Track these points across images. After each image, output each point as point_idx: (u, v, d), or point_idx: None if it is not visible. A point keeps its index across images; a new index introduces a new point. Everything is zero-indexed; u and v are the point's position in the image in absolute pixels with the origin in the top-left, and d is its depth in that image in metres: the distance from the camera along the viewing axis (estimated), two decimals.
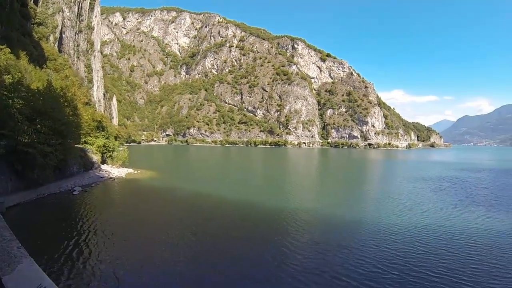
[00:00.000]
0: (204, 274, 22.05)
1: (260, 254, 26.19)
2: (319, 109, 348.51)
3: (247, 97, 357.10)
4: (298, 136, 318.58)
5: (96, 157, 68.82)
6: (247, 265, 24.34)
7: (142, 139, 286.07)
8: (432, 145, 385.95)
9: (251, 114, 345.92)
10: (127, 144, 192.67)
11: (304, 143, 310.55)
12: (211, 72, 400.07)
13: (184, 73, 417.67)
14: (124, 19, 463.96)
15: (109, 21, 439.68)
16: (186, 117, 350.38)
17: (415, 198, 54.66)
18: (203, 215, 37.77)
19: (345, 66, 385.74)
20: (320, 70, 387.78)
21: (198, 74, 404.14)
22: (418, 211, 44.63)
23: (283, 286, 20.79)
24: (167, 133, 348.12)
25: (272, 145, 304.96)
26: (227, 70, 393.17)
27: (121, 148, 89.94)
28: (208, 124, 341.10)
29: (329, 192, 60.94)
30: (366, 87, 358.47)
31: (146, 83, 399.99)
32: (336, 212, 42.61)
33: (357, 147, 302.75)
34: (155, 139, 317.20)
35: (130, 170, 71.35)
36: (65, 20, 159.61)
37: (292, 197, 52.37)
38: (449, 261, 25.99)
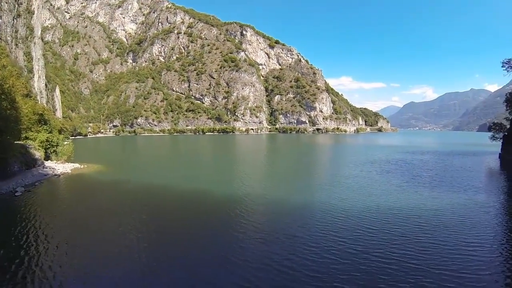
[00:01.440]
0: (155, 269, 21.57)
1: (208, 246, 25.59)
2: (267, 96, 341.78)
3: (195, 84, 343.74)
4: (246, 122, 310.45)
5: (39, 154, 63.94)
6: (195, 258, 23.52)
7: (89, 132, 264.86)
8: (379, 130, 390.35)
9: (199, 102, 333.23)
10: (73, 137, 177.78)
11: (252, 129, 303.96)
12: (158, 59, 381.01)
13: (131, 61, 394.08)
14: (67, 2, 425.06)
15: (51, 4, 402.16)
16: (133, 107, 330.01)
17: (363, 182, 55.09)
18: (152, 208, 37.09)
19: (293, 53, 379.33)
20: (269, 57, 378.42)
21: (145, 61, 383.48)
22: (365, 195, 44.77)
23: (228, 277, 20.76)
24: (114, 124, 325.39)
25: (220, 132, 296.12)
26: (174, 58, 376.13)
27: (66, 142, 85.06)
28: (155, 113, 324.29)
29: (277, 179, 60.34)
30: (314, 73, 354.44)
31: (91, 72, 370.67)
32: (284, 198, 42.20)
33: (306, 132, 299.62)
34: (102, 131, 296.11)
35: (76, 165, 67.83)
36: (2, 3, 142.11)
37: (241, 185, 51.20)
38: (398, 243, 26.78)
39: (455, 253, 25.22)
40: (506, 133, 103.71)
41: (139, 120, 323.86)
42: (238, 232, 28.49)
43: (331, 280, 20.55)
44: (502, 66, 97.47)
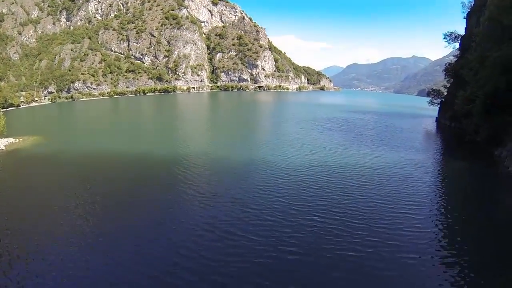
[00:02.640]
0: (101, 239, 21.87)
1: (151, 213, 25.60)
2: (208, 54, 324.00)
3: (135, 43, 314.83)
4: (187, 81, 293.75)
5: None
6: (139, 225, 23.73)
7: (21, 101, 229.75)
8: (322, 88, 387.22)
9: (139, 62, 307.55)
10: (4, 109, 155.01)
11: (194, 88, 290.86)
12: (95, 17, 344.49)
13: (65, 20, 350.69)
14: None
15: None
16: (69, 70, 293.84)
17: (304, 139, 55.41)
18: (95, 177, 35.55)
19: (237, 10, 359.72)
20: (211, 14, 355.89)
21: (81, 20, 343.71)
22: (307, 152, 45.74)
23: (170, 245, 21.04)
24: (49, 90, 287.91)
25: (161, 92, 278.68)
26: (112, 15, 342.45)
27: None
28: (94, 76, 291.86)
29: (219, 137, 57.70)
30: (257, 31, 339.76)
31: (20, 34, 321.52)
32: (225, 158, 42.11)
33: (247, 90, 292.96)
34: (36, 99, 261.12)
35: (11, 140, 62.31)
36: None
37: (183, 145, 49.24)
38: (342, 201, 28.22)
39: (396, 211, 27.30)
40: (443, 100, 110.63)
41: (76, 84, 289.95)
42: (181, 197, 28.33)
43: (275, 244, 20.65)
44: (444, 38, 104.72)
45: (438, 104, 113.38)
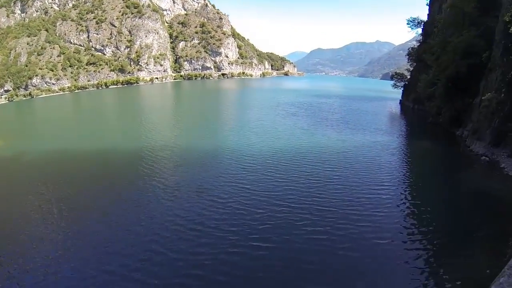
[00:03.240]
0: (69, 241, 21.05)
1: (118, 211, 24.80)
2: (171, 42, 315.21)
3: (95, 34, 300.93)
4: (150, 71, 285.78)
5: None
6: (106, 225, 23.02)
7: None
8: (286, 74, 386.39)
9: (100, 53, 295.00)
10: None
11: (157, 78, 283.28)
12: (52, 8, 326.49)
13: (19, 12, 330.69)
14: None
15: None
16: (26, 66, 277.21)
17: (269, 125, 55.13)
18: (58, 176, 34.45)
19: None
20: (174, 2, 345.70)
21: (37, 11, 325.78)
22: (272, 138, 45.14)
23: (138, 241, 20.50)
24: (5, 88, 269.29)
25: (124, 84, 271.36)
26: (70, 5, 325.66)
27: None
28: (53, 70, 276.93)
29: (183, 128, 56.18)
30: (220, 18, 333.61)
31: None
32: (190, 148, 41.24)
33: (211, 78, 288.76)
34: None
35: None
36: None
37: (147, 138, 47.66)
38: (309, 185, 28.15)
39: (365, 193, 27.52)
40: (406, 83, 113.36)
41: (34, 80, 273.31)
42: (147, 192, 27.36)
43: (245, 233, 20.39)
44: (407, 24, 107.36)
45: (401, 87, 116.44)
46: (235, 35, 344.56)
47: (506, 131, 40.97)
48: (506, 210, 24.97)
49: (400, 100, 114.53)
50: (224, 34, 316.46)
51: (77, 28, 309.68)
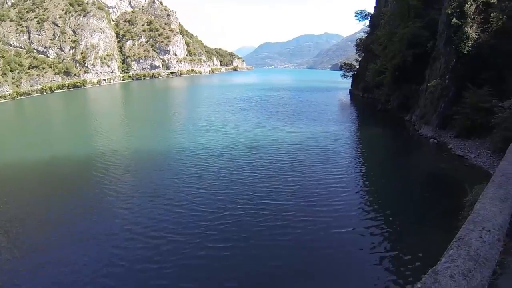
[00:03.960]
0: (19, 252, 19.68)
1: (65, 221, 23.10)
2: (118, 42, 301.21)
3: (36, 35, 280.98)
4: (97, 73, 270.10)
5: None
6: (53, 237, 21.14)
7: None
8: (235, 69, 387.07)
9: (43, 56, 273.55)
10: None
11: (105, 80, 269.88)
12: None
13: None
14: None
15: None
16: None
17: (218, 122, 54.35)
18: (7, 188, 31.20)
19: None
20: None
21: None
22: (224, 136, 44.24)
23: (86, 255, 19.03)
24: None
25: (70, 88, 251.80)
26: (9, 4, 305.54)
27: None
28: None
29: (133, 130, 54.62)
30: (168, 15, 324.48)
31: None
32: (141, 151, 39.60)
33: (160, 77, 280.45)
34: None
35: None
36: None
37: (97, 143, 45.48)
38: (264, 180, 27.62)
39: (322, 184, 27.26)
40: (355, 72, 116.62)
41: None
42: (99, 202, 25.55)
43: (204, 237, 19.51)
44: (355, 16, 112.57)
45: (350, 77, 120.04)
46: (183, 32, 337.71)
47: (451, 114, 43.78)
48: (456, 186, 26.27)
49: (350, 89, 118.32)
50: (172, 32, 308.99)
51: (17, 28, 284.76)
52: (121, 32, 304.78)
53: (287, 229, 20.89)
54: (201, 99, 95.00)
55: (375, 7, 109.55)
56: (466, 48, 42.93)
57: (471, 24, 43.31)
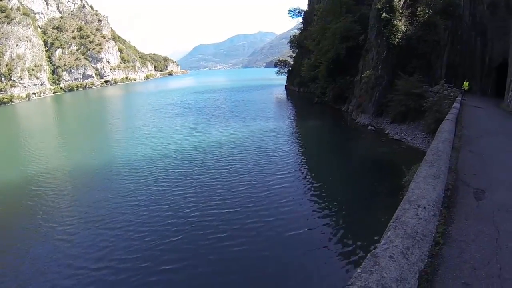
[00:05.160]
0: None
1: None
2: (46, 51, 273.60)
3: None
4: (25, 87, 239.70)
5: None
6: None
7: None
8: (170, 74, 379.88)
9: None
10: None
11: (34, 93, 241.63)
12: None
13: None
14: None
15: None
16: None
17: (156, 130, 51.38)
18: None
19: None
20: (47, 3, 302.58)
21: None
22: (162, 144, 42.15)
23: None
24: None
25: None
26: None
27: None
28: None
29: (66, 148, 48.70)
30: (99, 20, 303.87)
31: None
32: (78, 170, 35.31)
33: (93, 87, 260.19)
34: None
35: None
36: None
37: (30, 165, 39.72)
38: (210, 187, 26.23)
39: (269, 184, 26.30)
40: (290, 68, 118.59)
41: None
42: (33, 229, 22.23)
43: (152, 257, 17.60)
44: (288, 13, 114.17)
45: (285, 73, 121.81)
46: (115, 37, 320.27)
47: (386, 101, 46.02)
48: (396, 168, 26.29)
49: (285, 85, 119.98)
50: (104, 38, 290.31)
51: None
52: (50, 40, 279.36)
53: (240, 239, 19.19)
54: (137, 107, 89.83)
55: (308, 4, 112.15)
56: (396, 39, 45.69)
57: (400, 17, 46.37)
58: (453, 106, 24.70)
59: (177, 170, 31.77)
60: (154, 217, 22.13)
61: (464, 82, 38.36)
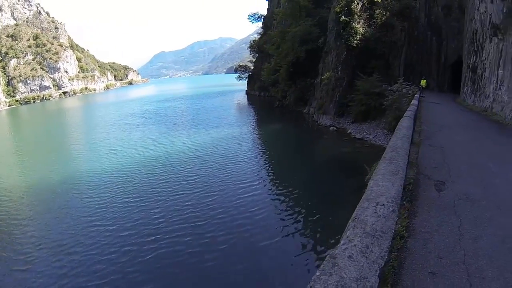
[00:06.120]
0: None
1: None
2: (0, 61, 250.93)
3: None
4: None
5: None
6: None
7: None
8: (130, 83, 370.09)
9: None
10: None
11: None
12: None
13: None
14: None
15: None
16: None
17: (116, 143, 48.83)
18: None
19: (32, 4, 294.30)
20: (1, 10, 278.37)
21: None
22: (123, 156, 40.17)
23: None
24: None
25: None
26: None
27: None
28: None
29: (24, 164, 44.66)
30: (56, 28, 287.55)
31: None
32: (38, 185, 32.95)
33: (51, 99, 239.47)
34: None
35: None
36: None
37: None
38: (177, 200, 24.79)
39: (236, 192, 25.32)
40: (250, 73, 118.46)
41: None
42: None
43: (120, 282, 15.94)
44: (248, 18, 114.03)
45: (246, 78, 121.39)
46: (73, 46, 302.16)
47: (347, 102, 46.31)
48: (359, 167, 26.48)
49: (246, 90, 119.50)
50: (62, 46, 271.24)
51: None
52: (3, 49, 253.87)
53: (212, 253, 17.76)
54: (97, 119, 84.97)
55: (268, 8, 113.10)
56: (355, 41, 46.07)
57: (358, 20, 46.91)
58: (411, 103, 24.83)
59: (140, 185, 29.36)
60: (119, 237, 20.08)
61: (422, 80, 39.30)
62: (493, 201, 7.69)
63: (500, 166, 10.80)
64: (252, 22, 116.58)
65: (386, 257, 3.71)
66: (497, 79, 24.79)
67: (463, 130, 18.57)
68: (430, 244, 5.71)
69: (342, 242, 4.03)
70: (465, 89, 34.03)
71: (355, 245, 3.82)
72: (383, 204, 5.05)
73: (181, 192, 26.47)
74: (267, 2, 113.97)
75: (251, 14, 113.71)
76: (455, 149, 13.71)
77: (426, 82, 39.82)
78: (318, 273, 3.27)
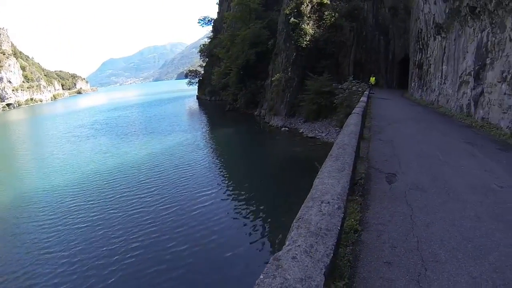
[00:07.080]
0: None
1: None
2: None
3: None
4: None
5: None
6: None
7: None
8: (79, 92, 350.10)
9: None
10: None
11: None
12: None
13: None
14: None
15: None
16: None
17: (66, 157, 44.80)
18: None
19: None
20: None
21: None
22: (73, 172, 36.33)
23: None
24: None
25: None
26: None
27: None
28: None
29: None
30: None
31: None
32: None
33: None
34: None
35: None
36: None
37: None
38: (132, 213, 23.32)
39: (194, 202, 24.19)
40: (200, 78, 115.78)
41: None
42: None
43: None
44: (198, 22, 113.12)
45: (196, 83, 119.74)
46: (16, 53, 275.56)
47: (298, 102, 46.24)
48: (311, 164, 26.16)
49: (197, 95, 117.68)
50: (4, 54, 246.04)
51: None
52: None
53: (177, 271, 16.31)
54: (44, 132, 78.07)
55: (218, 12, 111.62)
56: (305, 42, 45.98)
57: (308, 21, 46.96)
58: (360, 100, 24.84)
59: (93, 202, 26.42)
60: (71, 263, 17.04)
61: (371, 77, 40.02)
62: (442, 188, 7.93)
63: (447, 154, 11.26)
64: (202, 26, 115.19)
65: (332, 254, 3.58)
66: (441, 74, 25.99)
67: (412, 123, 18.95)
68: (384, 235, 5.78)
69: (286, 243, 3.82)
70: (412, 84, 35.20)
71: (299, 245, 3.66)
72: (328, 202, 4.85)
73: (138, 206, 24.34)
74: (218, 5, 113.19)
75: (201, 18, 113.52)
76: (404, 141, 13.99)
77: (375, 79, 40.56)
78: (261, 277, 3.13)
